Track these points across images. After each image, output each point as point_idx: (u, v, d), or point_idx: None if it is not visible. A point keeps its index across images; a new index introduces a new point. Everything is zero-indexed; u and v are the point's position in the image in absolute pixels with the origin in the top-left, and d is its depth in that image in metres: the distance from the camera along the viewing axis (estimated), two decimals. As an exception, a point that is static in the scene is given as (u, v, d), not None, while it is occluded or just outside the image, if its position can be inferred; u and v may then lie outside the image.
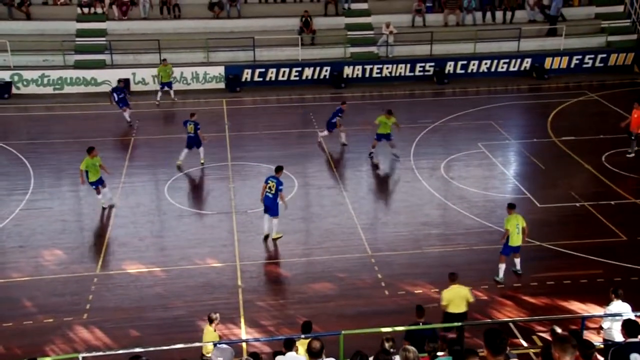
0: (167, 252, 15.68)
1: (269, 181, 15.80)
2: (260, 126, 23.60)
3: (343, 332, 10.23)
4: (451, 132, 22.93)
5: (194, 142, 19.85)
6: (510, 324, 12.63)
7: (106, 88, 26.67)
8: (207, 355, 10.50)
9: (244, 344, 12.19)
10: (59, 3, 28.98)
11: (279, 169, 16.01)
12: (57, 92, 26.51)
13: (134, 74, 27.00)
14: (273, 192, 15.69)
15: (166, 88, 25.86)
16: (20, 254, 15.38)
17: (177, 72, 27.19)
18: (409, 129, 22.76)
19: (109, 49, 27.44)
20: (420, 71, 28.64)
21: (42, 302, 13.56)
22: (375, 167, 19.97)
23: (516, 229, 13.91)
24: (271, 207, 15.85)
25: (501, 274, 14.19)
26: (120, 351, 11.00)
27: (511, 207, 14.34)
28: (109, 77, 26.75)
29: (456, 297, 11.95)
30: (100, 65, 27.21)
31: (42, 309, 13.36)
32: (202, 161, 20.08)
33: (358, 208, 17.66)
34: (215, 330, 10.92)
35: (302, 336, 10.29)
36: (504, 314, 13.33)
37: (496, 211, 17.37)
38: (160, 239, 16.24)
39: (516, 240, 13.99)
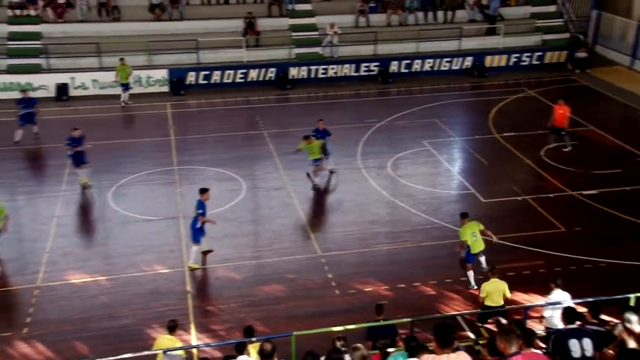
0: (112, 260, 15.33)
1: (196, 203, 14.85)
2: (207, 129, 23.34)
3: (294, 333, 10.21)
4: (397, 130, 23.20)
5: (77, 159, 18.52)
6: (458, 318, 12.86)
7: (43, 93, 25.92)
8: None
9: (194, 350, 12.02)
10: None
11: (202, 191, 14.88)
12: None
13: (72, 78, 26.28)
14: (194, 214, 14.79)
15: (123, 88, 25.46)
16: (-44, 268, 14.78)
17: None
18: (356, 129, 22.92)
19: (44, 52, 26.63)
20: (365, 71, 28.88)
21: (-19, 317, 13.06)
22: (316, 189, 18.63)
23: (473, 237, 14.02)
24: (191, 230, 14.88)
25: (472, 282, 14.20)
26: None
27: (464, 216, 14.46)
28: (46, 82, 26.00)
29: (495, 291, 12.17)
30: (36, 69, 26.38)
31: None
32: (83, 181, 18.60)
33: (306, 209, 17.67)
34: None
35: (254, 339, 10.22)
36: (452, 307, 13.57)
37: (442, 207, 17.68)
38: (105, 247, 15.86)
39: (477, 246, 14.08)
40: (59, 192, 18.36)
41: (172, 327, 10.81)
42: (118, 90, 25.98)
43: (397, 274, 14.71)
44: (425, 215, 17.19)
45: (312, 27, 29.69)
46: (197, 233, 14.86)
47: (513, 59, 30.10)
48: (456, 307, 13.56)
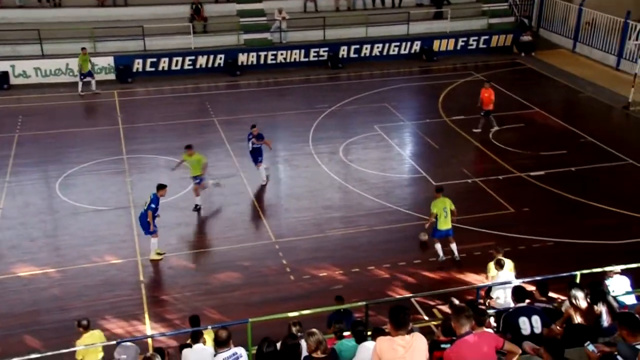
0: (62, 251, 14.99)
1: (148, 196, 14.61)
2: (156, 117, 22.94)
3: (250, 320, 10.21)
4: (348, 115, 23.30)
5: None
6: (412, 300, 13.09)
7: (-16, 82, 25.02)
8: None
9: (149, 340, 11.89)
10: None
11: (159, 187, 14.67)
12: None
13: (12, 66, 25.41)
14: (145, 207, 14.47)
15: (88, 78, 24.72)
16: None
17: (61, 63, 25.88)
18: (306, 114, 22.92)
19: (-17, 40, 25.65)
20: (314, 56, 28.84)
21: None
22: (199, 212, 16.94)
23: (444, 212, 14.32)
24: (142, 223, 14.53)
25: (440, 253, 14.58)
26: (15, 359, 10.41)
27: (438, 190, 14.80)
28: (-14, 70, 25.08)
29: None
30: (-26, 57, 25.42)
31: None
32: None
33: (259, 196, 17.63)
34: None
35: (209, 327, 10.18)
36: (407, 290, 13.78)
37: (394, 191, 17.89)
38: (54, 239, 15.50)
39: (444, 223, 14.37)
40: (3, 183, 17.80)
41: (86, 326, 10.51)
42: (62, 79, 25.31)
43: (351, 258, 14.85)
44: (378, 199, 17.37)
45: (260, 13, 29.43)
46: (148, 224, 14.54)
47: (460, 43, 30.54)
48: (410, 290, 13.78)
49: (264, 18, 29.24)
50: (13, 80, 25.28)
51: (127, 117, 22.78)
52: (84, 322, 10.49)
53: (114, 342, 9.86)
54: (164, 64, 27.06)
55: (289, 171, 19.52)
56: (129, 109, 23.62)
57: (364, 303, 11.15)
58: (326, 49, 28.85)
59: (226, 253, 15.08)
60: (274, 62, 28.40)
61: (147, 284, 13.91)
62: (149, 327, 12.54)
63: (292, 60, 28.59)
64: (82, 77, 24.74)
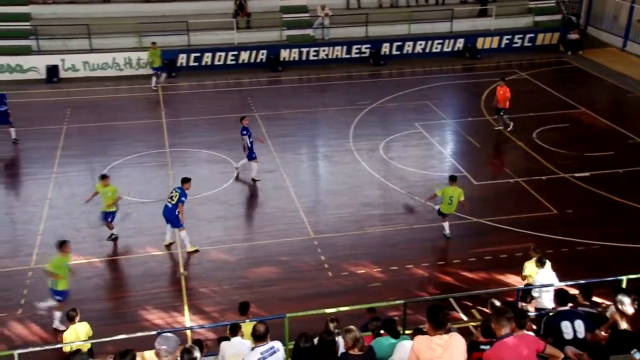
0: (105, 242, 15.31)
1: (173, 191, 14.79)
2: (198, 111, 23.23)
3: (287, 315, 10.27)
4: (389, 113, 23.18)
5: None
6: (451, 299, 12.97)
7: (33, 75, 25.70)
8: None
9: (188, 332, 12.07)
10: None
11: (185, 181, 14.91)
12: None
13: (62, 60, 26.04)
14: (174, 202, 14.58)
15: (159, 72, 25.21)
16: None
17: (108, 57, 26.41)
18: (347, 111, 22.89)
19: (34, 34, 26.34)
20: (356, 53, 28.77)
21: (-25, 299, 13.06)
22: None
23: (448, 200, 14.95)
24: (171, 218, 14.70)
25: (447, 230, 15.43)
26: (58, 346, 10.70)
27: (452, 179, 15.26)
28: (36, 64, 25.75)
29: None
30: (25, 51, 26.10)
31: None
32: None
33: (299, 191, 17.68)
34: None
35: (247, 320, 10.27)
36: (445, 290, 13.65)
37: (435, 190, 17.72)
38: (98, 230, 15.82)
39: (447, 209, 15.12)
40: (51, 174, 18.26)
41: (73, 316, 10.62)
42: (108, 73, 25.83)
43: (389, 256, 14.78)
44: (418, 197, 17.25)
45: (303, 9, 29.48)
46: (177, 219, 14.65)
47: (505, 41, 30.05)
48: (449, 289, 13.64)
49: (307, 14, 29.30)
50: (62, 74, 25.92)
51: (170, 111, 23.12)
52: (72, 314, 10.60)
53: (155, 332, 10.02)
54: (207, 59, 27.35)
55: (328, 167, 19.54)
56: (172, 103, 23.96)
57: (402, 301, 11.09)
58: (368, 45, 28.74)
59: (265, 247, 15.18)
60: (315, 58, 28.44)
61: (187, 276, 14.10)
62: (188, 319, 12.72)
63: (334, 56, 28.58)
64: (154, 70, 25.13)
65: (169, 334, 10.01)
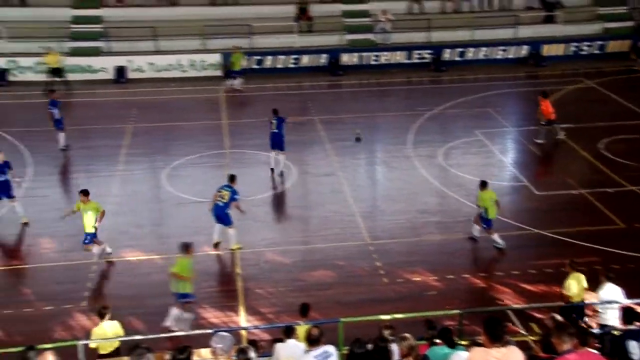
0: (165, 239, 15.68)
1: (222, 190, 14.97)
2: (258, 114, 23.47)
3: (342, 319, 10.27)
4: (449, 119, 22.92)
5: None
6: (509, 312, 12.70)
7: (103, 75, 26.59)
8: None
9: (243, 332, 12.23)
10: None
11: (232, 179, 15.16)
12: (53, 79, 26.33)
13: (130, 61, 26.88)
14: (225, 200, 14.81)
15: (236, 75, 25.66)
16: (18, 242, 15.36)
17: (173, 59, 27.08)
18: (406, 117, 22.75)
19: (105, 36, 27.27)
20: (417, 58, 28.57)
21: (42, 290, 13.58)
22: None
23: (491, 204, 14.84)
24: (222, 216, 14.95)
25: (499, 240, 15.05)
26: (120, 338, 11.01)
27: (483, 184, 15.14)
28: (105, 65, 26.69)
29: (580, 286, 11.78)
30: (96, 52, 27.07)
31: (42, 296, 13.38)
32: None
33: (356, 196, 17.67)
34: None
35: (302, 323, 10.32)
36: (503, 301, 13.39)
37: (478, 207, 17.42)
38: (159, 227, 16.23)
39: (493, 213, 14.88)
40: (116, 171, 18.83)
41: (104, 314, 10.64)
42: (173, 74, 26.49)
43: (446, 264, 14.60)
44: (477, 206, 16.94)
45: (365, 14, 29.52)
46: (228, 216, 14.96)
47: (572, 48, 29.29)
48: (507, 301, 13.38)
49: (368, 19, 29.31)
50: (130, 75, 26.75)
51: (231, 112, 23.51)
52: (103, 311, 10.63)
53: (211, 331, 10.20)
54: (268, 62, 27.71)
55: (386, 173, 19.46)
56: (233, 105, 24.37)
57: (458, 311, 10.94)
58: (430, 51, 28.52)
59: (321, 251, 15.24)
60: (376, 62, 28.40)
61: (243, 276, 14.29)
62: (243, 319, 12.89)
63: (395, 61, 28.48)
64: (230, 74, 25.56)
65: (224, 333, 10.18)
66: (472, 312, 11.60)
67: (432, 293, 13.55)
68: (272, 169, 18.77)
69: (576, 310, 11.52)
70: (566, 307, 11.76)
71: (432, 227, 16.13)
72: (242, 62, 25.66)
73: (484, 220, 14.98)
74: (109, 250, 14.78)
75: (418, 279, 14.12)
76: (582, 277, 11.84)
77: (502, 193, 17.89)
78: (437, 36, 29.04)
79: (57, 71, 25.26)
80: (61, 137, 20.03)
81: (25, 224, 15.98)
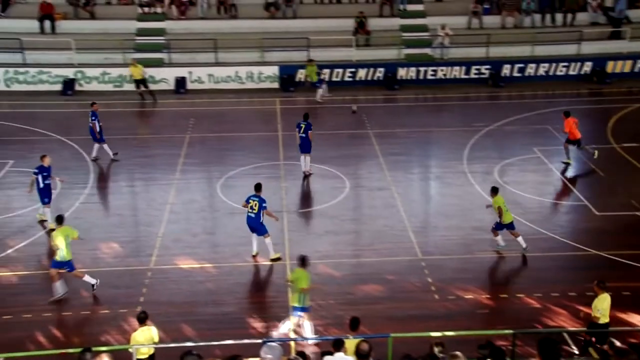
0: (218, 248, 15.92)
1: (250, 200, 14.96)
2: (314, 126, 23.62)
3: (392, 334, 10.19)
4: (506, 136, 22.54)
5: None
6: (565, 334, 12.32)
7: (163, 86, 27.31)
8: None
9: (292, 343, 12.27)
10: (121, 3, 29.82)
11: (258, 187, 15.17)
12: (116, 89, 27.26)
13: (190, 72, 27.54)
14: (256, 211, 14.88)
15: (319, 85, 26.11)
16: (79, 246, 15.78)
17: (231, 71, 27.59)
18: (462, 132, 22.48)
19: (167, 47, 28.05)
20: (475, 74, 28.25)
21: (99, 293, 13.95)
22: None
23: (505, 207, 14.92)
24: (256, 227, 15.02)
25: (502, 243, 15.32)
26: (172, 345, 11.22)
27: (494, 190, 15.28)
28: (166, 75, 27.39)
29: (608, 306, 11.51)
30: (158, 63, 27.85)
31: (99, 300, 13.76)
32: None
33: (409, 210, 17.54)
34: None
35: (351, 337, 10.29)
36: (558, 323, 13.01)
37: (551, 218, 17.03)
38: (212, 236, 16.49)
39: (508, 217, 14.96)
40: (173, 180, 19.26)
41: (143, 318, 10.72)
42: (231, 85, 26.97)
43: (499, 283, 14.33)
44: (533, 224, 16.59)
45: (423, 28, 29.41)
46: (263, 226, 15.00)
47: (639, 65, 28.35)
48: (562, 323, 12.99)
49: (427, 33, 29.19)
50: (189, 85, 27.40)
51: (286, 124, 23.73)
52: (142, 315, 10.74)
53: (261, 341, 10.28)
54: (324, 75, 27.87)
55: (440, 188, 19.26)
56: (288, 117, 24.58)
57: (511, 331, 10.69)
58: (488, 66, 28.16)
59: (372, 265, 15.16)
60: (433, 77, 28.22)
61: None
62: (292, 331, 12.91)
63: (452, 76, 28.23)
64: (315, 85, 26.09)
65: (274, 344, 10.25)
66: (526, 333, 11.33)
67: (484, 311, 13.29)
68: (304, 172, 19.32)
69: (601, 332, 11.16)
70: (594, 327, 11.44)
71: (485, 245, 15.84)
72: (313, 74, 25.86)
73: (497, 223, 15.22)
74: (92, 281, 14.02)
75: (470, 296, 13.87)
76: (609, 297, 11.51)
77: (559, 211, 17.51)
78: (496, 51, 28.67)
79: (141, 82, 26.15)
80: (95, 148, 20.24)
81: (52, 229, 16.11)
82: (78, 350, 8.94)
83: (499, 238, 15.26)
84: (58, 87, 26.81)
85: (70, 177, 19.36)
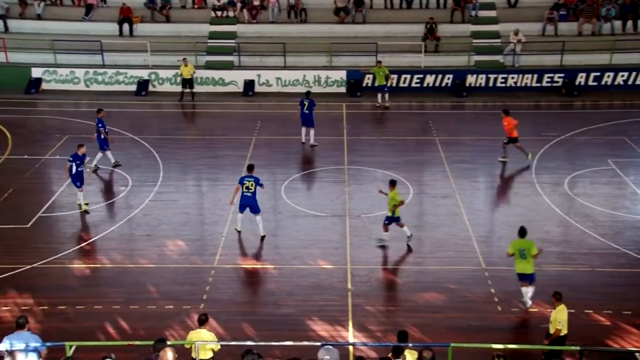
0: (280, 250, 16.08)
1: (245, 181, 16.11)
2: (379, 132, 23.65)
3: (452, 344, 10.03)
4: (578, 146, 21.83)
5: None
6: (637, 355, 11.80)
7: (232, 88, 27.84)
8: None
9: (350, 347, 12.26)
10: (195, 7, 30.62)
11: (251, 168, 16.49)
12: (188, 90, 27.96)
13: (258, 75, 27.96)
14: (252, 190, 16.08)
15: (385, 90, 25.92)
16: (147, 242, 16.37)
17: (299, 75, 27.83)
18: (531, 141, 21.89)
19: (237, 50, 28.59)
20: (548, 82, 27.48)
21: (165, 289, 14.35)
22: None
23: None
24: (253, 205, 16.20)
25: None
26: (233, 343, 11.41)
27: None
28: (236, 78, 27.89)
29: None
30: (228, 66, 28.41)
31: (164, 295, 14.14)
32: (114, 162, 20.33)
33: (473, 219, 17.23)
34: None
35: (410, 344, 10.19)
36: (630, 343, 12.48)
37: (625, 232, 16.38)
38: (275, 237, 16.67)
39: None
40: (234, 182, 19.55)
41: (203, 321, 10.74)
42: (298, 89, 27.16)
43: (566, 297, 13.64)
44: (604, 239, 16.01)
45: (495, 35, 28.87)
46: (258, 205, 16.23)
47: None
48: (634, 343, 12.46)
49: (498, 40, 28.63)
50: (257, 88, 27.83)
51: (352, 129, 23.76)
52: (202, 318, 10.77)
53: (319, 344, 10.32)
54: (392, 80, 27.75)
55: (506, 198, 18.85)
56: (354, 122, 24.62)
57: (577, 348, 10.34)
58: (562, 75, 27.36)
59: (434, 273, 14.98)
60: (503, 85, 27.64)
61: (354, 292, 14.31)
62: (351, 335, 12.90)
63: (523, 84, 27.57)
64: (379, 88, 25.83)
65: (331, 347, 10.30)
66: (594, 351, 10.93)
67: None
68: (303, 143, 21.44)
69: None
70: (560, 341, 11.05)
71: (552, 257, 15.37)
72: (380, 77, 25.68)
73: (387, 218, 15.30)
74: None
75: (534, 309, 13.49)
76: (566, 308, 11.27)
77: (633, 226, 16.81)
78: (571, 59, 27.83)
79: (187, 82, 26.71)
80: (98, 156, 19.99)
81: (86, 211, 17.50)
82: (144, 342, 9.20)
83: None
84: (133, 87, 27.76)
85: (141, 174, 20.02)
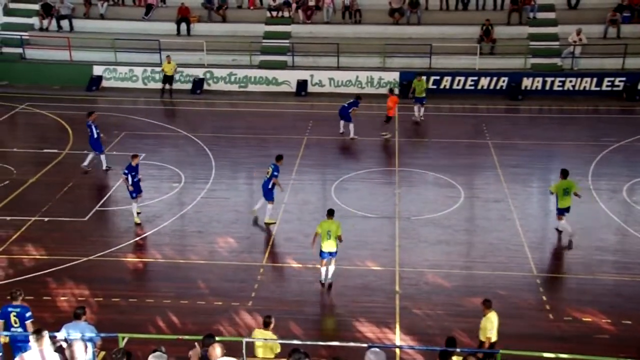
0: (330, 250, 16.10)
1: (269, 167, 16.90)
2: (430, 134, 23.44)
3: (501, 351, 9.89)
4: (638, 152, 21.14)
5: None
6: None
7: (285, 88, 28.07)
8: None
9: (397, 350, 12.22)
10: (251, 7, 31.01)
11: (279, 158, 17.10)
12: (241, 89, 28.35)
13: (311, 75, 28.09)
14: (267, 176, 16.79)
15: (422, 102, 24.37)
16: (198, 239, 16.68)
17: (352, 75, 27.84)
18: (589, 147, 21.39)
19: (291, 50, 28.82)
20: (607, 86, 26.71)
21: (214, 285, 14.60)
22: None
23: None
24: (265, 191, 16.88)
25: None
26: (279, 341, 11.51)
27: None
28: (289, 78, 28.09)
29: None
30: (282, 66, 28.65)
31: (214, 291, 14.38)
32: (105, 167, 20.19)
33: (526, 225, 16.92)
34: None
35: (458, 349, 10.10)
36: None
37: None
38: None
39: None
40: (289, 180, 19.72)
41: (267, 323, 10.82)
42: (350, 90, 27.18)
43: (622, 308, 13.46)
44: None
45: (553, 37, 28.23)
46: (270, 193, 16.83)
47: None
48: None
49: (556, 42, 27.99)
50: (310, 88, 27.97)
51: (403, 130, 23.63)
52: (266, 320, 10.89)
53: (365, 345, 10.33)
54: (445, 82, 27.47)
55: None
56: (406, 124, 24.47)
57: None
58: (623, 78, 26.53)
59: (483, 278, 14.78)
60: (560, 88, 27.01)
61: (402, 295, 14.24)
62: (398, 338, 12.86)
63: (581, 88, 26.86)
64: (415, 100, 24.66)
65: (378, 350, 10.28)
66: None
67: (603, 336, 12.56)
68: (341, 133, 22.61)
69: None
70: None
71: (608, 266, 14.96)
72: (419, 90, 25.02)
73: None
74: None
75: (588, 319, 13.16)
76: (496, 315, 11.04)
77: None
78: (634, 63, 26.94)
79: (169, 79, 27.33)
80: (89, 157, 20.07)
81: (137, 224, 17.19)
82: (193, 337, 9.38)
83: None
84: (188, 86, 28.30)
85: (194, 172, 20.41)
